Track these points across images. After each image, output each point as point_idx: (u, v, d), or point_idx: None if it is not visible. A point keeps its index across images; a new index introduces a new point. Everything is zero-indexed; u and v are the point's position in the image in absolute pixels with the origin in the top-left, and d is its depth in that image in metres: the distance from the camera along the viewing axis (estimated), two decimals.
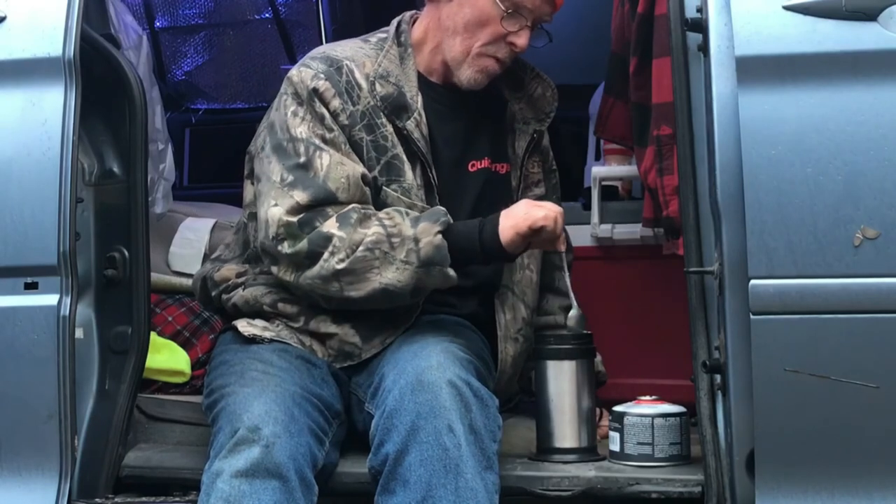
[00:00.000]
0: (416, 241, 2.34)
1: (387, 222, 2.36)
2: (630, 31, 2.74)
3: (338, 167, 2.41)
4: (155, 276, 2.95)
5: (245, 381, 2.34)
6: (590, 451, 2.46)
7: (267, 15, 4.71)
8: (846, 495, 2.14)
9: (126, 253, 2.59)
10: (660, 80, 2.58)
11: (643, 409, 2.44)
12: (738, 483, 2.20)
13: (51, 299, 2.41)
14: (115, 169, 2.55)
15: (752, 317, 2.13)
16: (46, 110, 2.43)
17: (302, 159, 2.41)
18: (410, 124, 2.48)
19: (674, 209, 2.59)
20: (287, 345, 2.47)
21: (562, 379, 2.45)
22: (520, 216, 2.37)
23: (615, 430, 2.44)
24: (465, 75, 2.51)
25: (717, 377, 2.25)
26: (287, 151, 2.43)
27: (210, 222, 3.45)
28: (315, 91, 2.45)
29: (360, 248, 2.34)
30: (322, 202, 2.38)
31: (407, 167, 2.48)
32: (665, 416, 2.42)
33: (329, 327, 2.46)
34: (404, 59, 2.54)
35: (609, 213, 3.09)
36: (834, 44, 2.13)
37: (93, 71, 2.55)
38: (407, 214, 2.39)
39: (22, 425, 2.43)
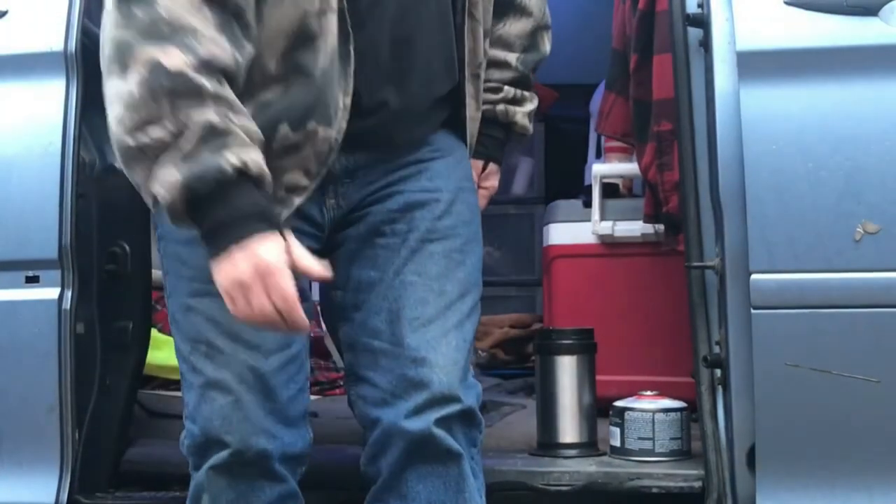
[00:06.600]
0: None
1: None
2: (631, 28, 2.75)
3: None
4: (156, 273, 2.95)
5: (211, 355, 1.99)
6: (590, 446, 2.46)
7: None
8: (847, 489, 2.14)
9: (127, 248, 2.59)
10: (661, 77, 2.58)
11: (644, 404, 2.44)
12: (738, 478, 2.20)
13: (52, 293, 2.41)
14: (117, 164, 2.54)
15: (752, 311, 2.13)
16: (48, 105, 2.43)
17: None
18: None
19: (673, 205, 2.59)
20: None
21: (562, 374, 2.46)
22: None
23: (616, 425, 2.44)
24: None
25: (718, 372, 2.25)
26: None
27: None
28: None
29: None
30: None
31: None
32: (666, 411, 2.42)
33: (291, 177, 1.98)
34: None
35: (610, 210, 3.09)
36: (835, 39, 2.14)
37: (94, 65, 2.54)
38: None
39: (23, 419, 2.43)
